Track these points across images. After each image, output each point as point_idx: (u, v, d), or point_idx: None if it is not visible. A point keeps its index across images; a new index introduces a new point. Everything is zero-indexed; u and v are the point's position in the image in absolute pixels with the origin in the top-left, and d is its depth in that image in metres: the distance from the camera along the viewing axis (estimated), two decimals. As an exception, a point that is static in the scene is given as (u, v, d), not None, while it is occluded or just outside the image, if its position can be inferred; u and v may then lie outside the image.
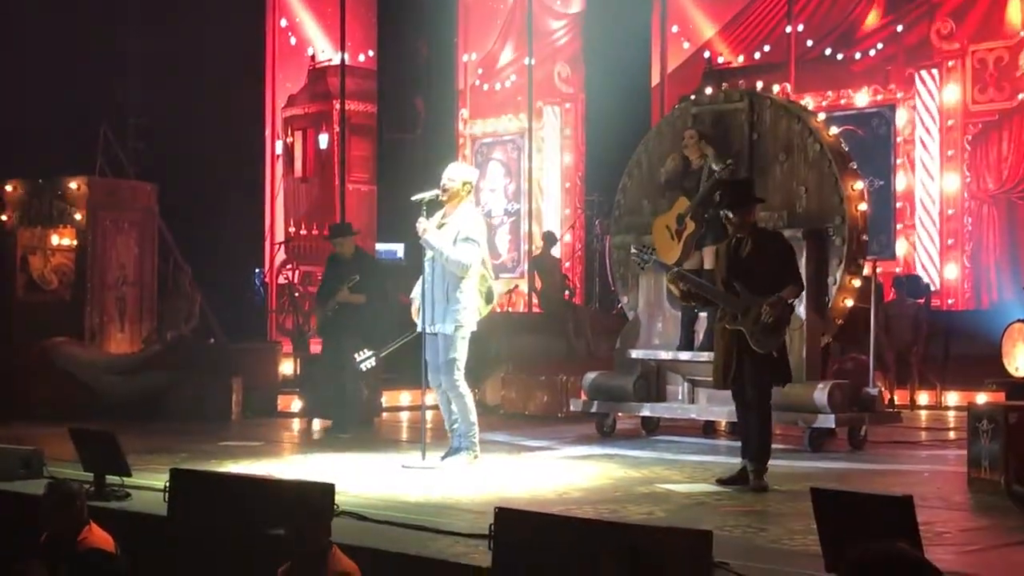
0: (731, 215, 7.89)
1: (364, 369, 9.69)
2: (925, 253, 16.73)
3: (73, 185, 14.51)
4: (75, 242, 14.40)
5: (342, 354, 10.99)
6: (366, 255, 11.77)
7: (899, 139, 17.02)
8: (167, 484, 6.47)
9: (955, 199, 16.56)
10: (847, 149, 10.62)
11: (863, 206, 10.34)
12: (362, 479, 7.99)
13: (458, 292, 8.55)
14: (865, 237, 10.39)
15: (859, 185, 10.37)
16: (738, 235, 7.94)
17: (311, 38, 20.34)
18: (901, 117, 17.01)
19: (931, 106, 16.78)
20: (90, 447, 7.60)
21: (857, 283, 10.39)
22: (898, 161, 16.98)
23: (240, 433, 11.20)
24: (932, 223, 16.71)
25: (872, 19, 17.64)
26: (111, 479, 7.31)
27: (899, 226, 16.93)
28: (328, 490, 5.72)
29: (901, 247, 16.90)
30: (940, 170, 16.67)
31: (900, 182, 16.95)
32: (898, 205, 16.94)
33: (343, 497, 6.22)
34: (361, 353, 9.56)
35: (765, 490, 7.69)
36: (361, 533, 6.05)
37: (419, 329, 8.71)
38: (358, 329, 11.00)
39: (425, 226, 8.56)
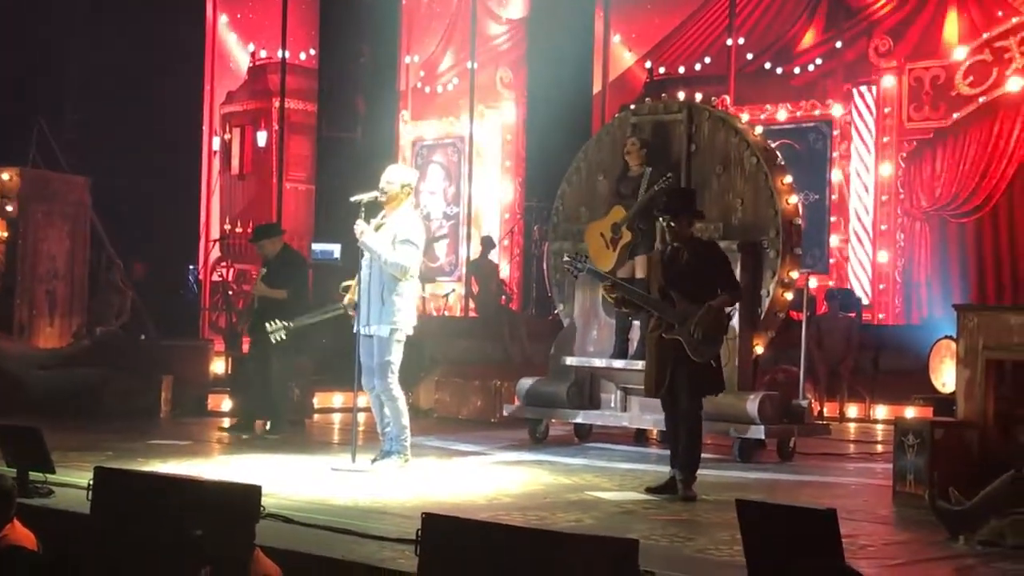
0: (672, 223, 7.91)
1: (274, 341, 9.66)
2: (858, 267, 16.92)
3: (5, 176, 14.28)
4: (5, 234, 14.18)
5: (267, 355, 10.90)
6: (290, 254, 11.50)
7: (835, 154, 17.20)
8: (90, 482, 6.38)
9: (888, 215, 16.76)
10: (783, 163, 10.71)
11: (797, 220, 10.44)
12: (290, 481, 7.94)
13: (395, 295, 8.52)
14: (799, 250, 10.49)
15: (794, 199, 10.47)
16: (674, 244, 7.97)
17: (252, 35, 20.21)
18: (838, 132, 17.19)
19: (867, 122, 16.97)
20: (14, 442, 7.49)
21: (790, 296, 10.48)
22: (833, 176, 17.16)
23: (168, 432, 11.08)
24: (865, 238, 16.90)
25: (811, 35, 17.82)
26: (34, 475, 7.20)
27: (833, 240, 17.11)
28: (254, 492, 5.66)
29: (834, 261, 17.08)
30: (874, 186, 16.86)
31: (835, 197, 17.14)
32: (832, 219, 17.11)
33: (270, 499, 6.16)
34: (272, 323, 9.53)
35: (694, 500, 7.74)
36: (286, 536, 6.02)
37: (355, 330, 8.66)
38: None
39: (363, 228, 8.52)
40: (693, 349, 7.75)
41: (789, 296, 10.47)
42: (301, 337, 11.09)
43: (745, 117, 13.97)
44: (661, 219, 8.04)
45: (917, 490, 7.50)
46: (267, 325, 9.56)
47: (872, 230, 16.85)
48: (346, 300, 8.87)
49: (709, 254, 8.08)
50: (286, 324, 9.49)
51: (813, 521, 4.75)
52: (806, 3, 17.96)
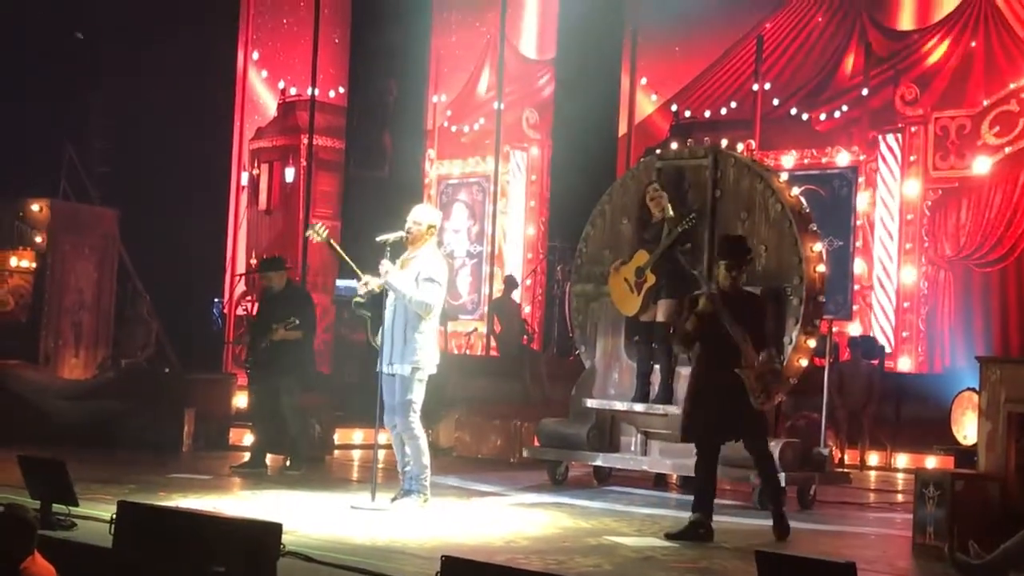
0: (733, 271, 8.06)
1: (314, 239, 9.27)
2: (881, 315, 16.89)
3: (35, 207, 14.46)
4: (34, 264, 14.33)
5: (277, 392, 10.92)
6: (298, 290, 11.47)
7: (860, 201, 17.21)
8: (113, 516, 6.43)
9: (913, 263, 16.75)
10: (808, 209, 10.73)
11: (821, 267, 10.45)
12: (310, 518, 7.97)
13: (417, 333, 8.56)
14: (822, 298, 10.48)
15: (818, 246, 10.48)
16: (729, 291, 8.07)
17: (282, 72, 20.40)
18: (863, 179, 17.21)
19: (893, 170, 16.99)
20: (38, 475, 7.54)
21: (813, 343, 10.47)
22: (858, 222, 17.16)
23: (190, 465, 11.13)
24: (889, 286, 16.88)
25: (838, 82, 17.87)
26: (57, 507, 7.25)
27: (856, 287, 17.09)
28: (275, 529, 5.71)
29: (858, 308, 17.06)
30: (899, 233, 16.86)
31: (859, 243, 17.13)
32: (856, 266, 17.10)
33: (290, 536, 6.20)
34: (314, 227, 9.22)
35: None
36: (306, 574, 6.03)
37: (378, 368, 8.70)
38: (291, 366, 10.95)
39: (387, 268, 8.58)
40: (757, 395, 7.92)
41: (812, 343, 10.46)
42: (308, 372, 11.18)
43: (770, 162, 14.02)
44: (723, 265, 8.12)
45: (937, 542, 7.48)
46: (311, 230, 9.22)
47: (896, 278, 16.83)
48: (365, 289, 8.78)
49: (761, 306, 8.28)
50: (321, 234, 9.22)
51: (832, 574, 4.76)
52: (833, 50, 18.03)
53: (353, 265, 8.96)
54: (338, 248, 9.23)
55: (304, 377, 11.30)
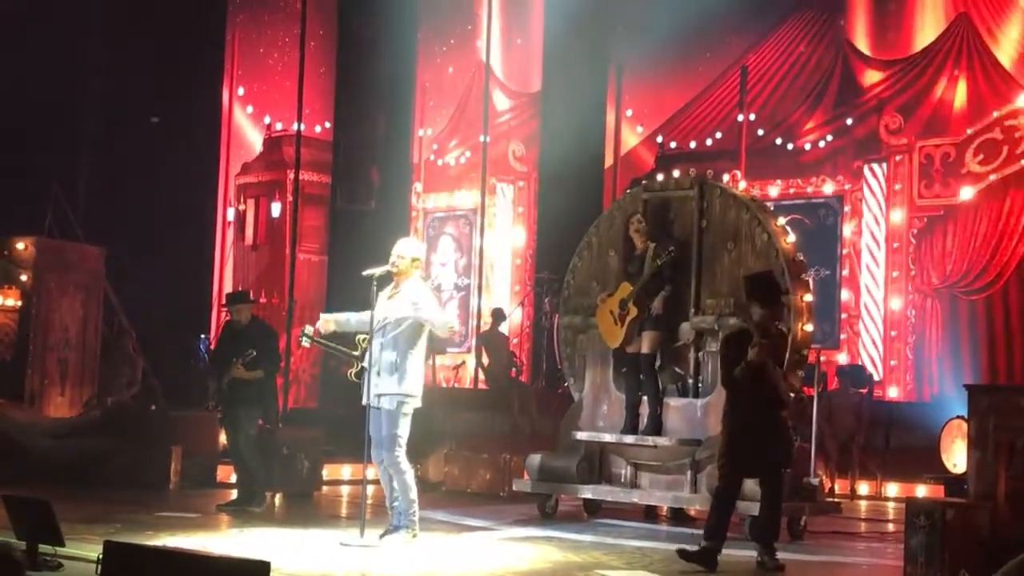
0: (766, 311, 8.20)
1: (303, 344, 9.59)
2: (869, 343, 16.90)
3: (20, 245, 14.41)
4: (19, 303, 14.26)
5: (238, 426, 10.86)
6: (263, 325, 11.46)
7: (846, 230, 17.26)
8: (100, 556, 6.37)
9: (899, 291, 16.78)
10: (794, 239, 10.75)
11: (808, 296, 10.45)
12: (299, 556, 7.92)
13: (404, 367, 8.54)
14: (810, 327, 10.49)
15: (805, 275, 10.49)
16: (765, 331, 8.17)
17: (268, 107, 20.44)
18: (848, 208, 17.26)
19: (878, 199, 17.05)
20: (24, 515, 7.48)
21: (800, 373, 10.47)
22: (844, 252, 17.21)
23: (177, 503, 11.05)
24: (876, 314, 16.90)
25: (822, 112, 17.95)
26: (43, 548, 7.19)
27: (844, 316, 17.11)
28: (263, 568, 5.65)
29: (845, 337, 17.07)
30: (885, 262, 16.90)
31: (845, 272, 17.17)
32: (843, 295, 17.13)
33: (278, 574, 6.15)
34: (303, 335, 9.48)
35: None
36: (295, 613, 5.99)
37: (364, 402, 8.66)
38: (254, 400, 10.89)
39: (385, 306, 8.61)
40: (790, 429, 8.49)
41: (800, 373, 10.45)
42: (269, 406, 11.17)
43: (756, 192, 14.04)
44: (757, 312, 8.27)
45: (928, 571, 7.46)
46: (303, 337, 9.52)
47: (883, 306, 16.86)
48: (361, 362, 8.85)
49: (785, 343, 8.73)
50: (312, 337, 9.48)
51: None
52: (817, 80, 18.11)
53: (344, 351, 9.13)
54: (327, 344, 9.48)
55: (264, 411, 11.26)
